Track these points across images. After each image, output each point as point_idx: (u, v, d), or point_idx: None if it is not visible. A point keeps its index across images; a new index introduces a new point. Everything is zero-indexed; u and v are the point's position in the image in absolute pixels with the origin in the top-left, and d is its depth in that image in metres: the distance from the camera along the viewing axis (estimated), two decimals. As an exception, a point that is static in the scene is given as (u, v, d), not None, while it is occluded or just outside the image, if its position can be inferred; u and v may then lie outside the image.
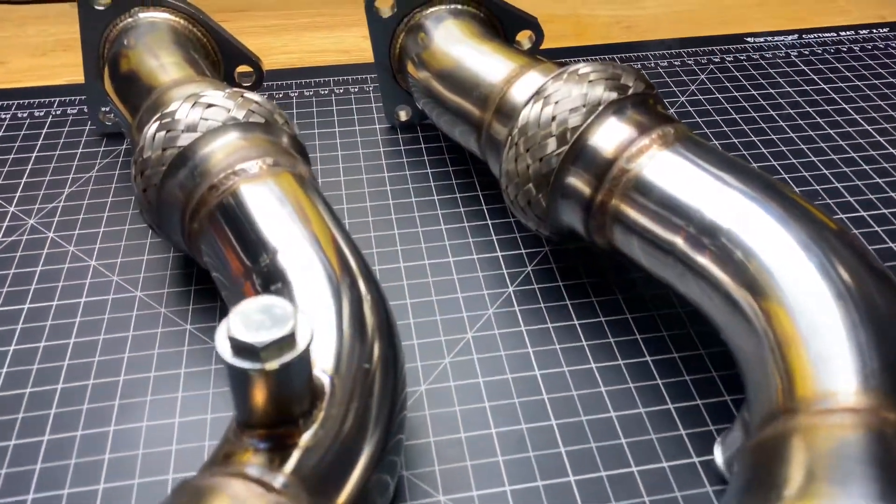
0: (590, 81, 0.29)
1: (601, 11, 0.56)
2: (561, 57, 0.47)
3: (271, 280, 0.25)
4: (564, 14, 0.56)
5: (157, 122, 0.30)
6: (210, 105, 0.30)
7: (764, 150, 0.41)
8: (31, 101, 0.46)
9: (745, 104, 0.45)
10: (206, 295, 0.33)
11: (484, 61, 0.35)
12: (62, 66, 0.50)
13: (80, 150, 0.41)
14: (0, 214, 0.37)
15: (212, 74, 0.37)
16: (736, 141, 0.42)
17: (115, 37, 0.39)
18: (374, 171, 0.40)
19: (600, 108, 0.29)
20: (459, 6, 0.38)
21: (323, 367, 0.22)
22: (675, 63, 0.49)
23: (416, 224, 0.37)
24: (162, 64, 0.35)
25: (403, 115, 0.43)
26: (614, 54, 0.50)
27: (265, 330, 0.18)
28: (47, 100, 0.46)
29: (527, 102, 0.30)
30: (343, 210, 0.37)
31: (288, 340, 0.19)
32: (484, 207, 0.38)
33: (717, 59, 0.50)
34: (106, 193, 0.38)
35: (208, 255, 0.29)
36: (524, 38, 0.41)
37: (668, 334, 0.30)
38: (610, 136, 0.28)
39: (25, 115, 0.44)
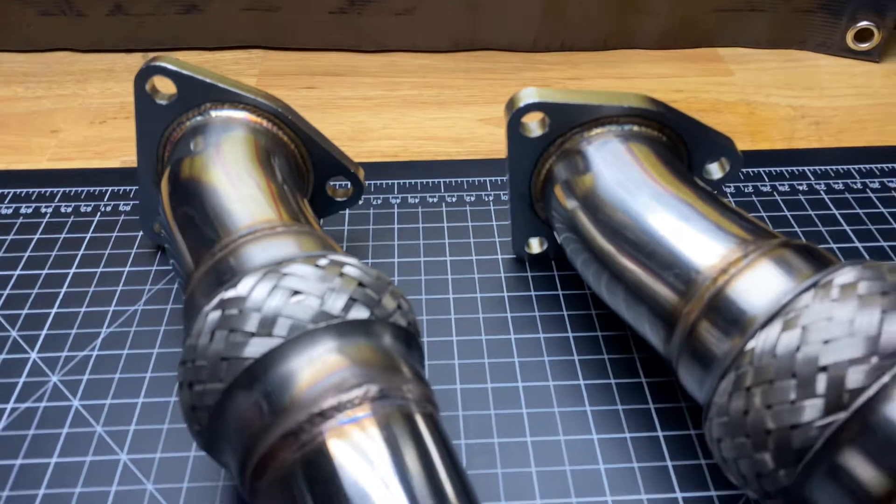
0: (874, 307, 0.19)
1: (778, 99, 0.45)
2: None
3: None
4: (732, 100, 0.45)
5: (219, 311, 0.20)
6: (296, 292, 0.20)
7: None
8: (80, 189, 0.37)
9: None
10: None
11: (680, 221, 0.24)
12: (121, 141, 0.41)
13: (126, 269, 0.33)
14: (18, 364, 0.29)
15: (295, 186, 0.28)
16: None
17: (178, 137, 0.30)
18: (494, 312, 0.30)
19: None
20: (635, 127, 0.28)
21: None
22: (892, 184, 0.38)
23: (552, 399, 0.27)
24: (234, 193, 0.26)
25: (536, 246, 0.33)
26: (803, 165, 0.39)
27: None
28: (98, 189, 0.37)
29: (766, 324, 0.20)
30: (454, 369, 0.27)
31: None
32: (643, 381, 0.28)
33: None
34: (151, 340, 0.30)
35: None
36: (716, 166, 0.30)
37: None
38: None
39: (70, 209, 0.36)
